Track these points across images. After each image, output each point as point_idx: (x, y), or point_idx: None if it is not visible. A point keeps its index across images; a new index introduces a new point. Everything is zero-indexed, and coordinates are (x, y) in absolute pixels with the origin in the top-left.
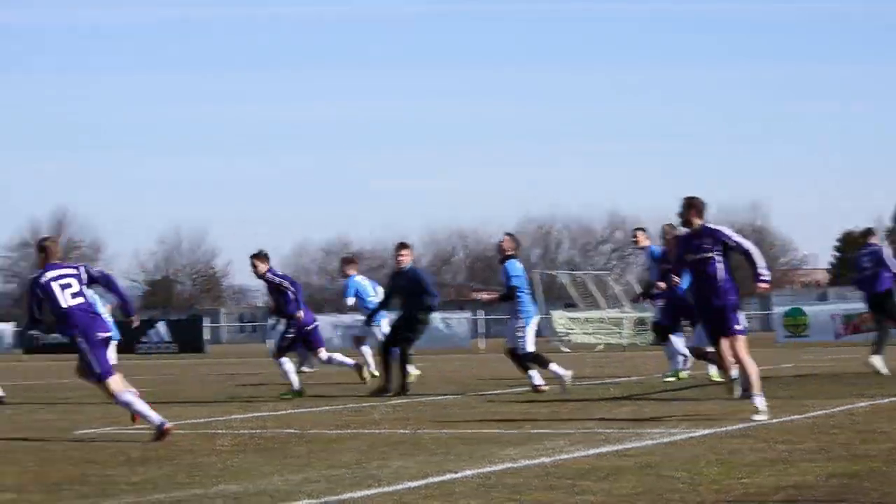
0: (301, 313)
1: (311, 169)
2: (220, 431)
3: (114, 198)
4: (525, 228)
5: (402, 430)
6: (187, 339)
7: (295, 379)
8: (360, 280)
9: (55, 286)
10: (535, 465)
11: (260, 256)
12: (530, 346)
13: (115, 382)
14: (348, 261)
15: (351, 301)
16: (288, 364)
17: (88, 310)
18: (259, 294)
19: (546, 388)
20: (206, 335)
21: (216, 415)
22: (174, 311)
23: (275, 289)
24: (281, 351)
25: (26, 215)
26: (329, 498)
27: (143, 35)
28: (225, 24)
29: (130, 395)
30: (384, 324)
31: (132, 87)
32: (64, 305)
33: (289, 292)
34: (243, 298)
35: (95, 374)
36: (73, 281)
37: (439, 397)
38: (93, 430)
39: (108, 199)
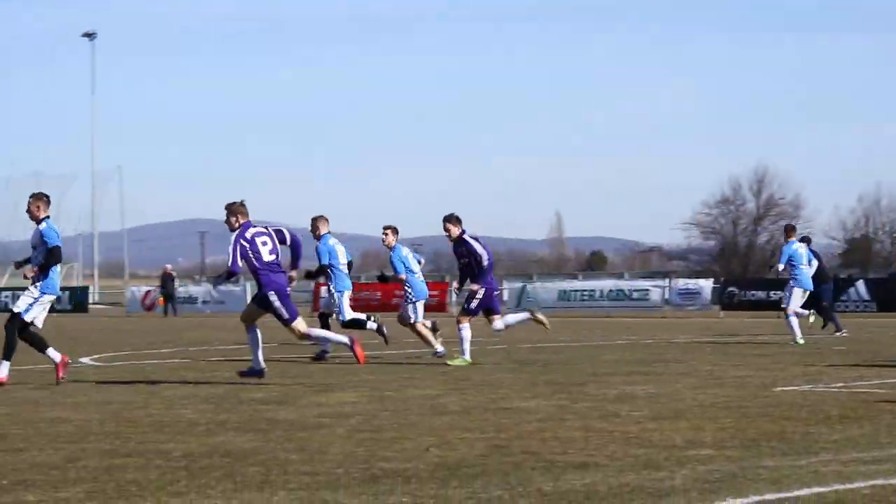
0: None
1: None
2: None
3: (815, 155)
4: None
5: None
6: (887, 298)
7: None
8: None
9: (258, 242)
10: None
11: (451, 220)
12: None
13: (300, 324)
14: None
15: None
16: None
17: (279, 268)
18: None
19: None
20: None
21: None
22: (873, 270)
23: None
24: (465, 312)
25: (727, 172)
26: None
27: None
28: None
29: (318, 331)
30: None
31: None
32: (265, 260)
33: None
34: None
35: (284, 319)
36: (268, 239)
37: None
38: (792, 388)
39: (810, 156)
